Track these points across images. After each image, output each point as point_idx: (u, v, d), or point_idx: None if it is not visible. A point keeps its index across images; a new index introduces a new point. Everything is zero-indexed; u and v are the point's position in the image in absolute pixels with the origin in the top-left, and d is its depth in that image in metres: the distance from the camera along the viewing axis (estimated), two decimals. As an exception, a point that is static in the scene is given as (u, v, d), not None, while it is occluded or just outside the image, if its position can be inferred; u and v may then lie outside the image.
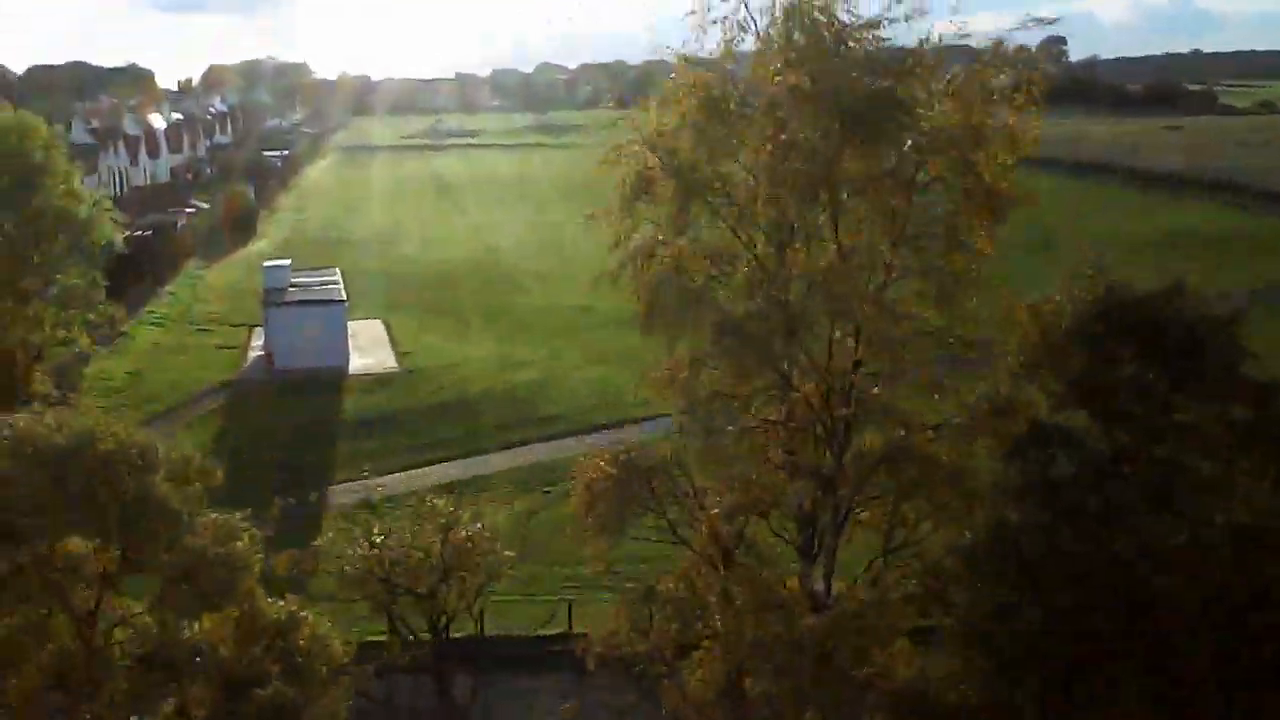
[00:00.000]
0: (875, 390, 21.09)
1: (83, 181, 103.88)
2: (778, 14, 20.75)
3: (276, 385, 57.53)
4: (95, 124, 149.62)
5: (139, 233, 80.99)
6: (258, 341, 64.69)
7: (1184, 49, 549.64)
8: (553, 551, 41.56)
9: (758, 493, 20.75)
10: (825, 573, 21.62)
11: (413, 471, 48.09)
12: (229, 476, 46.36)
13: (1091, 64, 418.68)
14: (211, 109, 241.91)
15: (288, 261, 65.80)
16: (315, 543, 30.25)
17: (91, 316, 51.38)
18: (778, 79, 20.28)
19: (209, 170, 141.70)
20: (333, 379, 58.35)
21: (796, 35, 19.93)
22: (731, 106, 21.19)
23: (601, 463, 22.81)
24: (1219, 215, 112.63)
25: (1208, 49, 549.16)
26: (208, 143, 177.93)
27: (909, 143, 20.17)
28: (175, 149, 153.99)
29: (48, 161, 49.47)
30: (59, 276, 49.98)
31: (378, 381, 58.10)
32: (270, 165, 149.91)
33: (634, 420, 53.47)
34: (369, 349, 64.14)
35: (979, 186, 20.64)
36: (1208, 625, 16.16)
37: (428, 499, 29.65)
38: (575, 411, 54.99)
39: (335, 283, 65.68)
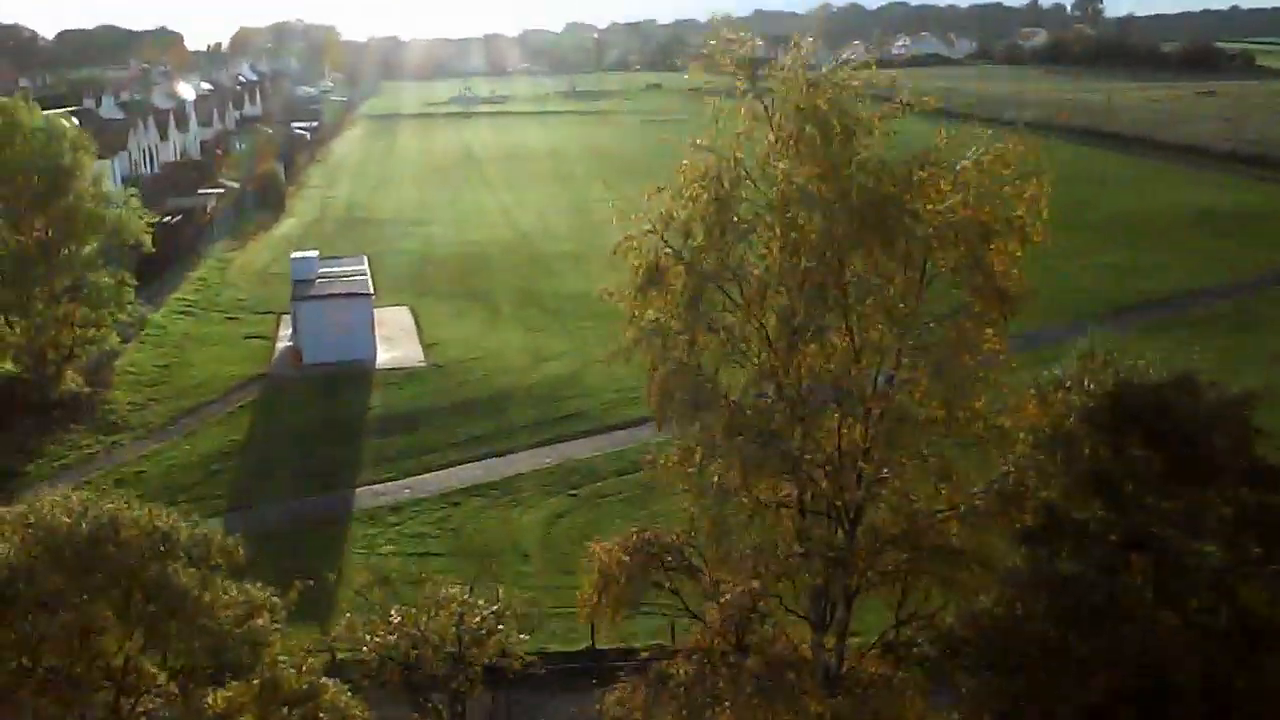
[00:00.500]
0: (885, 474, 21.17)
1: (114, 159, 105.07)
2: (789, 108, 20.82)
3: (305, 381, 57.88)
4: (125, 97, 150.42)
5: (167, 219, 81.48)
6: (286, 330, 65.11)
7: (1223, 4, 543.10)
8: (574, 558, 41.89)
9: (771, 571, 20.85)
10: (837, 644, 21.81)
11: (439, 473, 48.44)
12: (259, 478, 47.53)
13: (1128, 21, 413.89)
14: (241, 78, 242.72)
15: (315, 252, 66.08)
16: (331, 632, 30.36)
17: (122, 316, 51.88)
18: (787, 176, 20.40)
19: (238, 145, 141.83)
20: (360, 373, 58.73)
21: (809, 128, 19.97)
22: (743, 200, 21.29)
23: (617, 550, 22.88)
24: (1252, 190, 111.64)
25: (1246, 4, 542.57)
26: (237, 114, 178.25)
27: (917, 242, 20.23)
28: (204, 121, 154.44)
29: (76, 163, 49.86)
30: (89, 276, 50.36)
31: (405, 376, 58.40)
32: (299, 139, 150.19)
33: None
34: (396, 340, 64.45)
35: (988, 283, 20.68)
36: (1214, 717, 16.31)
37: (442, 587, 29.71)
38: (601, 408, 55.16)
39: (362, 273, 65.91)
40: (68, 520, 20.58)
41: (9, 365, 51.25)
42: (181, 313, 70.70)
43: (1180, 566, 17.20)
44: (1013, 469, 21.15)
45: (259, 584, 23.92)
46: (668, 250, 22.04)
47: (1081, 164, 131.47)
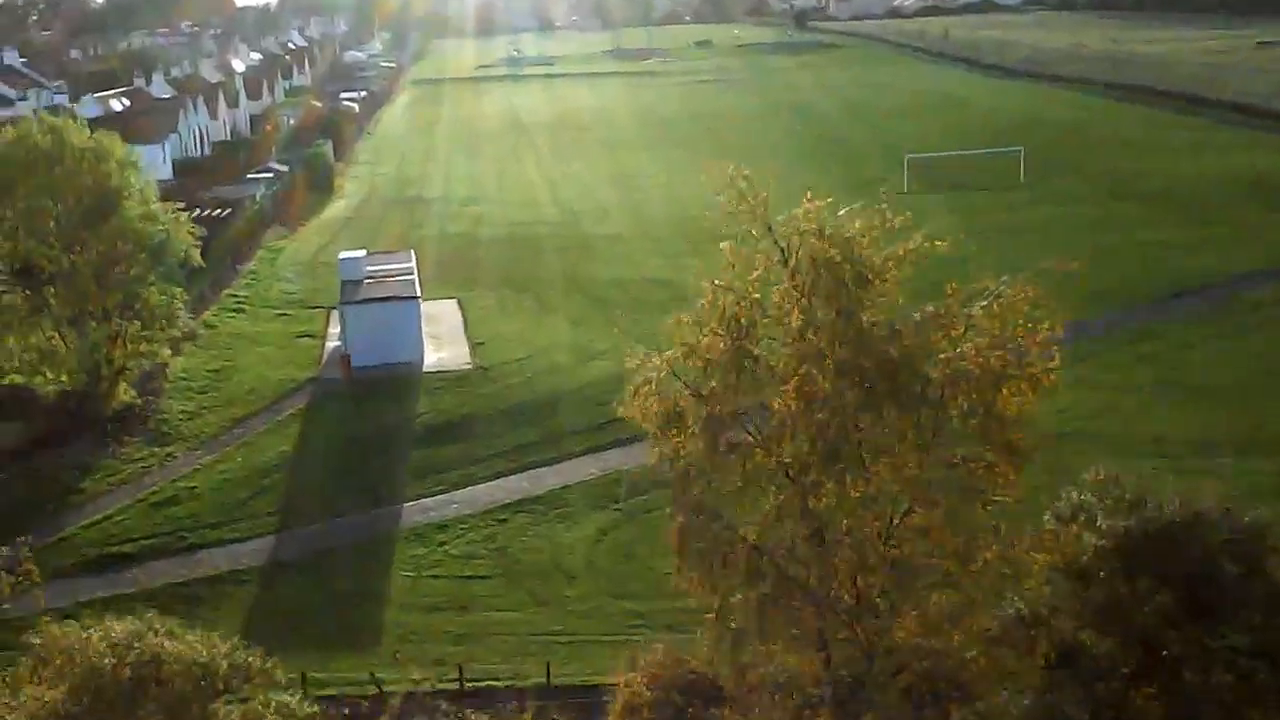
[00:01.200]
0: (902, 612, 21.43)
1: (164, 142, 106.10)
2: (803, 256, 21.01)
3: (353, 387, 58.56)
4: (175, 73, 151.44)
5: (218, 212, 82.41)
6: (335, 328, 65.70)
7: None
8: (618, 579, 42.45)
9: (793, 702, 21.21)
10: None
11: (486, 485, 49.03)
12: (309, 493, 48.26)
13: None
14: (290, 44, 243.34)
15: (363, 251, 66.65)
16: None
17: (173, 331, 52.77)
18: (800, 333, 20.63)
19: (287, 120, 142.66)
20: (408, 377, 59.35)
21: (822, 278, 20.17)
22: (760, 339, 21.54)
23: (641, 685, 23.30)
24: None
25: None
26: (286, 84, 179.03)
27: (928, 404, 20.42)
28: (254, 95, 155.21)
29: (124, 183, 50.56)
30: (139, 293, 51.15)
31: (452, 380, 58.94)
32: (347, 112, 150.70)
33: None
34: (444, 339, 65.00)
35: (1000, 433, 20.84)
36: None
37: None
38: (646, 411, 55.45)
39: (409, 271, 66.41)
40: (112, 661, 21.21)
41: (63, 380, 52.14)
42: (233, 310, 71.55)
43: (1191, 699, 17.42)
44: (1025, 603, 21.36)
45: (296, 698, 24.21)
46: (686, 392, 22.28)
47: (1136, 127, 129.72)
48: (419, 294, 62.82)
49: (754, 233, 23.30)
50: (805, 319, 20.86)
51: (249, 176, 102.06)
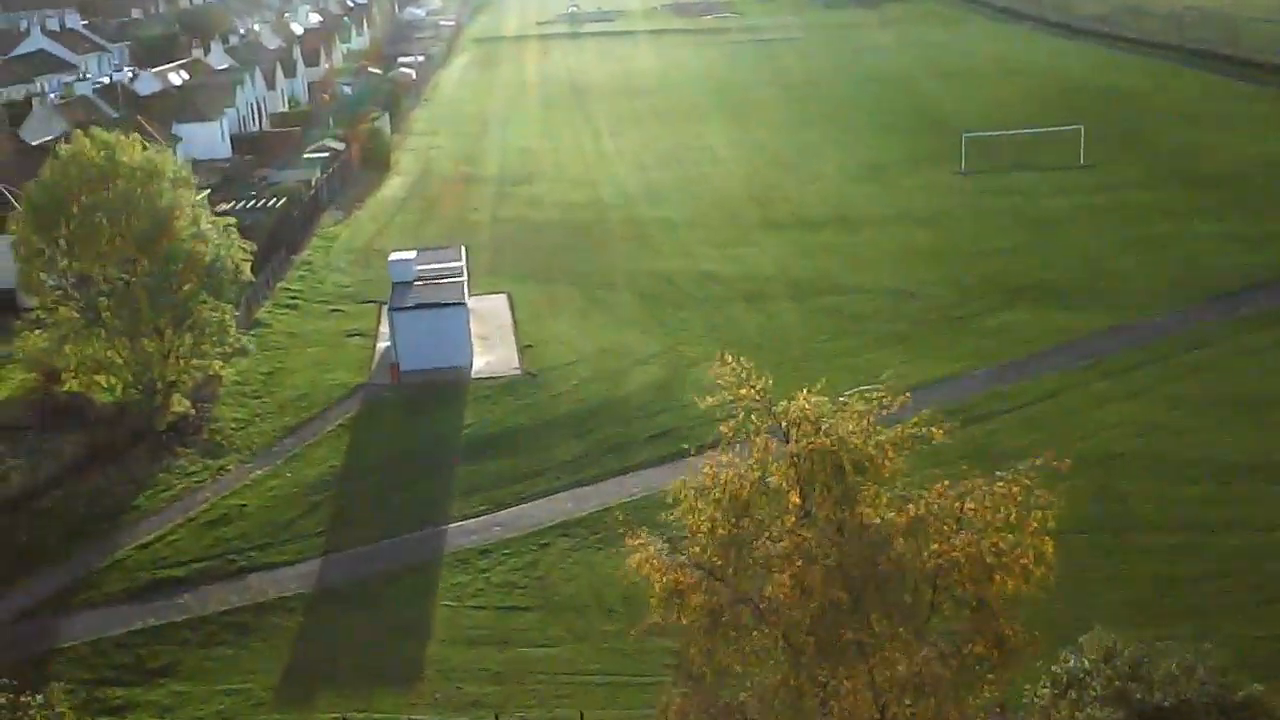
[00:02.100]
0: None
1: (222, 119, 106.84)
2: (801, 447, 21.11)
3: (401, 395, 59.19)
4: (234, 40, 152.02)
5: (274, 202, 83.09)
6: (385, 327, 66.15)
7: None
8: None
9: None
10: None
11: (528, 505, 49.50)
12: (355, 512, 49.01)
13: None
14: (350, 2, 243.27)
15: (412, 253, 67.02)
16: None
17: (225, 348, 53.59)
18: (796, 522, 20.76)
19: (345, 88, 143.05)
20: (456, 384, 59.89)
21: (819, 465, 20.31)
22: (761, 520, 21.70)
23: None
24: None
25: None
26: (344, 48, 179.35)
27: (914, 611, 20.53)
28: (311, 61, 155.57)
29: (175, 201, 51.20)
30: (192, 311, 51.89)
31: (499, 389, 59.40)
32: (404, 81, 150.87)
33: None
34: (493, 339, 65.44)
35: (990, 625, 20.91)
36: None
37: None
38: (689, 424, 55.39)
39: (459, 271, 66.79)
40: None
41: (118, 392, 53.09)
42: (287, 306, 72.33)
43: None
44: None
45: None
46: (688, 568, 22.54)
47: (1204, 98, 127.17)
48: (467, 299, 63.15)
49: (754, 419, 23.44)
50: (803, 506, 21.11)
51: (305, 156, 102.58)
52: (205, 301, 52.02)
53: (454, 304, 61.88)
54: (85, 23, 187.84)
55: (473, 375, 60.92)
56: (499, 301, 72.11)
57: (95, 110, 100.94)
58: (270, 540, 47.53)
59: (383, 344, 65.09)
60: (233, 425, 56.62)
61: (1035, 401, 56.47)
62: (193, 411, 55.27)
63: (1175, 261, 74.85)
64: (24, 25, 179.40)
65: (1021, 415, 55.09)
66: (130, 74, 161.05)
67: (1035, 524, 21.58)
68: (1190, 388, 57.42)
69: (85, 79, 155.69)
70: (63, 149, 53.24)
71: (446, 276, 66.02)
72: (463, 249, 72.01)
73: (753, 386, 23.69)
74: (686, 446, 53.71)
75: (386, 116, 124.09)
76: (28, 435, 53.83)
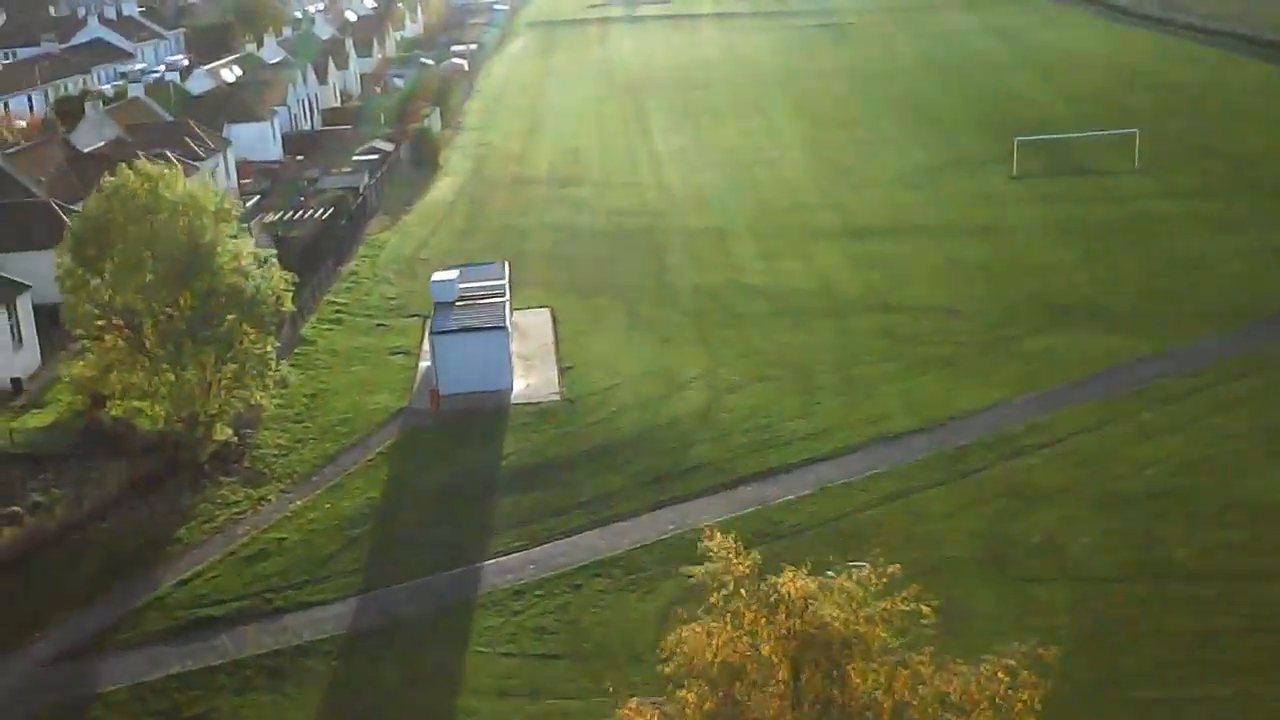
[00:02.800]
0: None
1: (273, 119, 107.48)
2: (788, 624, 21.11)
3: (441, 422, 59.47)
4: (287, 32, 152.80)
5: (322, 212, 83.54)
6: (427, 346, 66.20)
7: None
8: (689, 665, 42.89)
9: None
10: None
11: (564, 542, 49.65)
12: (392, 549, 49.35)
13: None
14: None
15: (455, 274, 67.13)
16: None
17: (266, 380, 54.09)
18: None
19: (396, 80, 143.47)
20: (495, 410, 60.06)
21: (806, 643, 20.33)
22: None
23: None
24: None
25: None
26: (398, 35, 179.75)
27: None
28: (364, 52, 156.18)
29: (217, 237, 51.65)
30: (233, 344, 52.35)
31: (538, 415, 59.51)
32: (455, 73, 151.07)
33: (785, 468, 54.35)
34: (534, 360, 65.58)
35: None
36: None
37: None
38: (729, 456, 55.52)
39: (501, 290, 66.90)
40: None
41: (161, 421, 53.71)
42: (332, 321, 72.74)
43: None
44: None
45: None
46: None
47: (1265, 97, 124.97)
48: (508, 319, 63.29)
49: (743, 592, 23.49)
50: (792, 681, 21.14)
51: (354, 158, 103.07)
52: (247, 334, 52.37)
53: (495, 328, 62.04)
54: (142, 9, 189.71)
55: (512, 400, 61.07)
56: (542, 317, 72.25)
57: (147, 112, 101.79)
58: (308, 577, 47.96)
59: (425, 363, 65.39)
60: (275, 452, 57.15)
61: (1077, 434, 55.89)
62: (235, 439, 55.79)
63: (1230, 278, 73.82)
64: (82, 12, 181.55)
65: (1062, 449, 54.54)
66: (185, 61, 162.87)
67: (1022, 704, 21.50)
68: (1237, 420, 56.65)
69: (140, 69, 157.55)
70: (107, 181, 53.78)
71: (489, 296, 66.18)
72: (506, 265, 72.08)
73: (742, 561, 23.63)
74: (722, 480, 54.47)
75: (437, 112, 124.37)
76: (72, 463, 54.67)
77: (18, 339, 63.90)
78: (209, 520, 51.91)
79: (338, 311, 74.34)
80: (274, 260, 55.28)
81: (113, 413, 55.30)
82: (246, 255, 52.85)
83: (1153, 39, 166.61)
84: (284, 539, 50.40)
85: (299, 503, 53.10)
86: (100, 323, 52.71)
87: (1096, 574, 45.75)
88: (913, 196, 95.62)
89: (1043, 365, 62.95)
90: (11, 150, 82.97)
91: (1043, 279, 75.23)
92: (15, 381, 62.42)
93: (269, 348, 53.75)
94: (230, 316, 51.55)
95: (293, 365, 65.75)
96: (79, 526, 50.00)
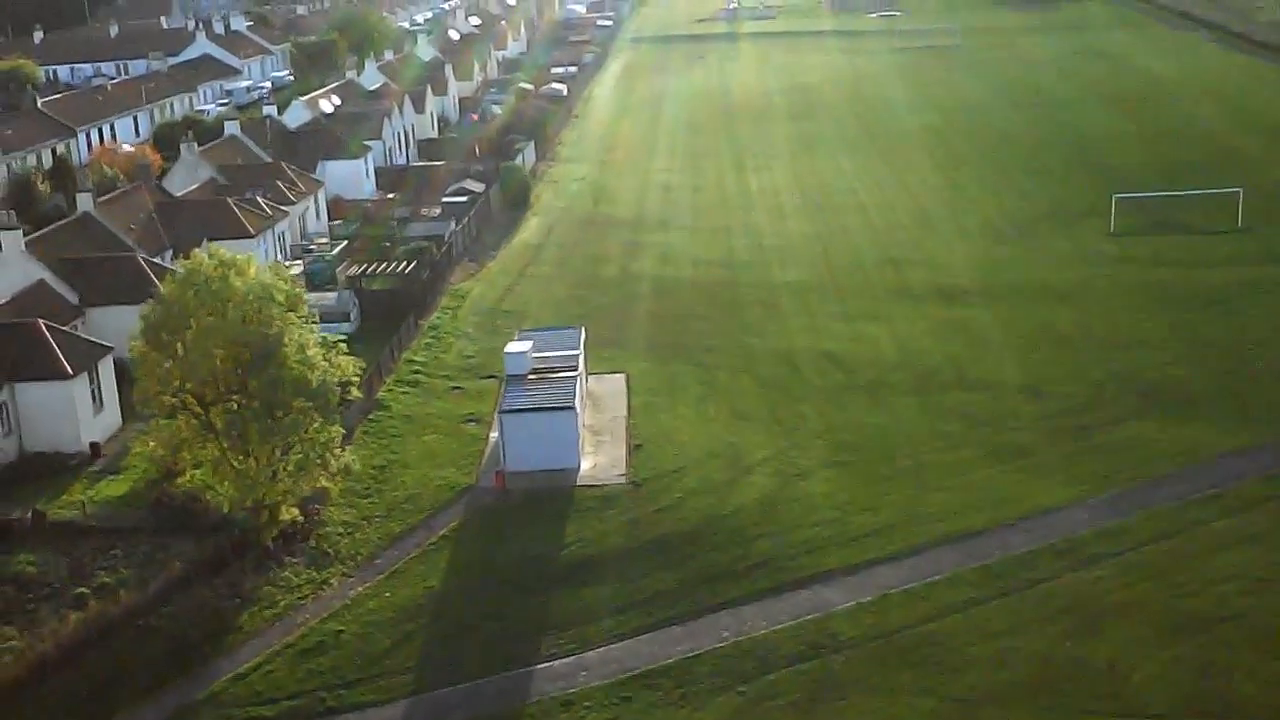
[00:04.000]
0: None
1: (368, 156, 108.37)
2: None
3: (505, 502, 59.55)
4: (389, 55, 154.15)
5: (403, 266, 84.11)
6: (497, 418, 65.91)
7: None
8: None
9: None
10: None
11: (616, 646, 49.42)
12: (447, 647, 49.51)
13: None
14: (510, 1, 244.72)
15: (529, 345, 66.99)
16: None
17: (330, 470, 54.59)
18: None
19: (493, 107, 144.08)
20: (561, 490, 59.97)
21: None
22: None
23: None
24: None
25: None
26: (500, 55, 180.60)
27: None
28: (464, 75, 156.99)
29: (284, 328, 52.18)
30: (298, 436, 52.86)
31: (603, 499, 59.30)
32: (553, 101, 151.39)
33: (848, 569, 53.59)
34: (604, 434, 65.42)
35: None
36: None
37: None
38: (790, 553, 54.82)
39: (574, 363, 66.65)
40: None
41: (228, 504, 54.45)
42: (409, 384, 73.08)
43: None
44: None
45: None
46: None
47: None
48: (580, 397, 63.17)
49: None
50: None
51: (444, 200, 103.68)
52: (312, 422, 52.85)
53: (564, 408, 61.95)
54: (250, 23, 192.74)
55: (579, 480, 60.96)
56: (617, 384, 72.09)
57: (242, 150, 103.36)
58: (361, 675, 48.25)
59: (495, 434, 65.47)
60: (340, 531, 57.61)
61: (1148, 543, 54.34)
62: (301, 519, 56.31)
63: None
64: (191, 26, 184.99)
65: (1130, 560, 53.08)
66: (290, 77, 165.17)
67: None
68: (1320, 530, 54.86)
69: (245, 87, 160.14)
70: (183, 263, 54.67)
71: (562, 369, 66.07)
72: (583, 332, 71.85)
73: None
74: (782, 581, 53.81)
75: (531, 145, 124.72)
76: (141, 538, 55.62)
77: (99, 402, 65.05)
78: (271, 606, 52.46)
79: (415, 372, 74.73)
80: (342, 346, 55.71)
81: (183, 485, 56.21)
82: (314, 344, 53.25)
83: (1274, 72, 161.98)
84: (341, 631, 50.77)
85: (360, 589, 53.50)
86: (172, 401, 53.61)
87: (1156, 708, 44.54)
88: (1005, 252, 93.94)
89: (1121, 460, 61.32)
90: (105, 197, 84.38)
91: (1129, 355, 73.43)
92: (94, 446, 63.56)
93: (334, 436, 54.17)
94: (296, 405, 51.98)
95: (365, 432, 66.56)
96: (143, 611, 50.70)
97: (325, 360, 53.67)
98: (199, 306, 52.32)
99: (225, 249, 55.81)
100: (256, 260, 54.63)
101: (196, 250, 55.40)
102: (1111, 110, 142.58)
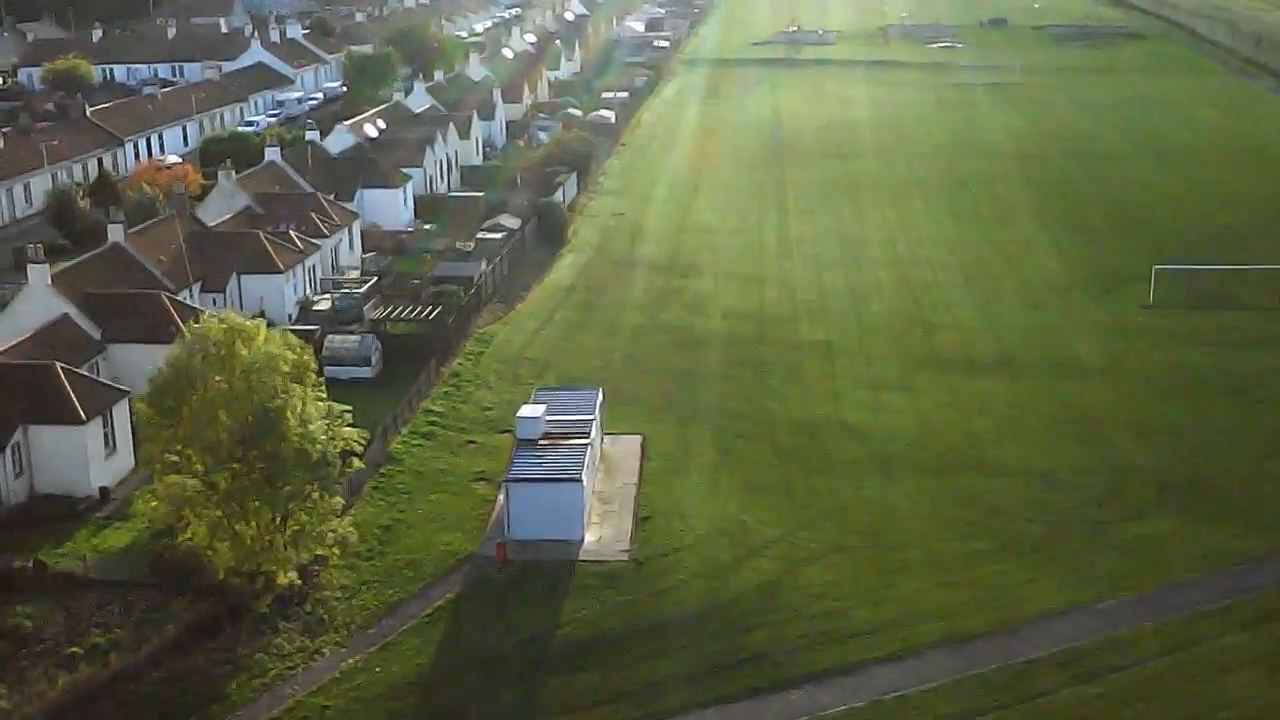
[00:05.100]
0: None
1: (406, 186, 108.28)
2: None
3: (505, 574, 59.17)
4: (439, 76, 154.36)
5: (430, 312, 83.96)
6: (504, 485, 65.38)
7: None
8: None
9: None
10: None
11: (604, 741, 49.13)
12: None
13: None
14: (569, 13, 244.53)
15: (541, 410, 66.59)
16: None
17: (326, 542, 54.54)
18: None
19: (540, 135, 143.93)
20: (562, 563, 59.57)
21: None
22: None
23: None
24: None
25: None
26: (553, 76, 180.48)
27: None
28: (512, 98, 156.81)
29: (288, 401, 52.11)
30: (295, 507, 52.82)
31: (604, 577, 58.82)
32: (603, 125, 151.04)
33: (844, 669, 52.86)
34: (612, 503, 64.94)
35: None
36: None
37: None
38: (784, 646, 54.12)
39: (587, 429, 66.22)
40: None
41: (222, 575, 54.38)
42: (423, 435, 72.78)
43: None
44: None
45: None
46: None
47: None
48: (585, 474, 62.68)
49: None
50: None
51: (479, 235, 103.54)
52: (310, 494, 52.79)
53: (570, 480, 61.59)
54: (306, 30, 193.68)
55: (581, 555, 60.50)
56: (631, 446, 71.54)
57: (281, 178, 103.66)
58: (342, 763, 48.14)
59: (501, 497, 65.12)
60: (338, 595, 57.42)
61: (1155, 656, 53.26)
62: (299, 582, 56.21)
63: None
64: (248, 31, 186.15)
65: (1134, 677, 51.96)
66: (342, 89, 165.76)
67: None
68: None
69: (295, 98, 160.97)
70: (192, 326, 54.76)
71: (574, 435, 65.67)
72: (599, 394, 71.35)
73: None
74: (776, 678, 53.13)
75: (574, 177, 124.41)
76: (139, 595, 55.70)
77: (111, 445, 65.32)
78: (260, 675, 52.32)
79: (431, 423, 74.47)
80: (346, 415, 55.64)
81: (183, 542, 56.32)
82: (317, 417, 53.16)
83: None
84: (328, 707, 50.63)
85: (351, 661, 53.33)
86: (175, 460, 53.68)
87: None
88: (1039, 320, 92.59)
89: (1135, 562, 60.19)
90: (136, 228, 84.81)
91: (1154, 443, 72.14)
92: (103, 490, 63.81)
93: (334, 507, 54.11)
94: (296, 477, 51.95)
95: (375, 488, 66.46)
96: (132, 677, 50.74)
97: (328, 432, 53.49)
98: (206, 372, 52.31)
99: (236, 314, 55.82)
100: (264, 328, 54.43)
101: (209, 312, 55.34)
102: (1162, 165, 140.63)
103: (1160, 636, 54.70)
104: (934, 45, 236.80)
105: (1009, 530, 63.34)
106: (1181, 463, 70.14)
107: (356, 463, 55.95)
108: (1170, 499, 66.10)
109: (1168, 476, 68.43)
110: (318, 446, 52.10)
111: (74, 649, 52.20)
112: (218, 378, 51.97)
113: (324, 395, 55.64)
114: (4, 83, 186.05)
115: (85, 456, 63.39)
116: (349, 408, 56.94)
